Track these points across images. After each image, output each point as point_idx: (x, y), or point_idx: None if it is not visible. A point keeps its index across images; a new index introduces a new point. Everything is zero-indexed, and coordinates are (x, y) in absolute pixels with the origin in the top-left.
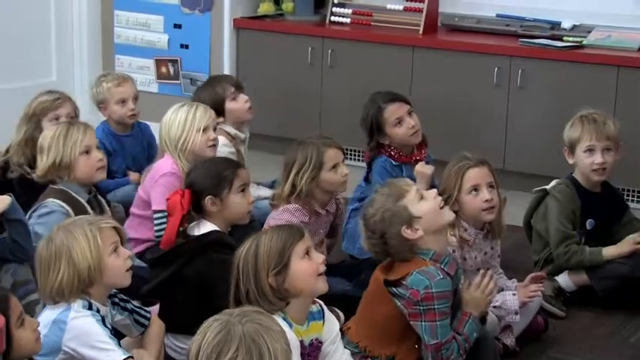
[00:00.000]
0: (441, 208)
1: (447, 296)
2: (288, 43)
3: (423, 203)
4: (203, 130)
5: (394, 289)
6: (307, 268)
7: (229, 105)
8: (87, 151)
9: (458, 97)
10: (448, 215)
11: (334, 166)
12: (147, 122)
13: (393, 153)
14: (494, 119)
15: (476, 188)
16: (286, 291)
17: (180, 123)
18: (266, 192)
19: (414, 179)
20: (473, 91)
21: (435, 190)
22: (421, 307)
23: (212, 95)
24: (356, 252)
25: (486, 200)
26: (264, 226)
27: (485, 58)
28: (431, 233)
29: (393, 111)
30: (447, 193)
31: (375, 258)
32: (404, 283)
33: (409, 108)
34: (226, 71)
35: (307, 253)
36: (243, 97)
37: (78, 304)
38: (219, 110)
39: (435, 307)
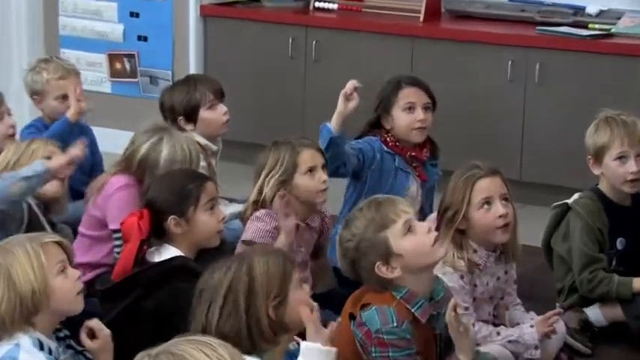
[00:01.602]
0: (433, 245)
1: (401, 345)
2: (265, 34)
3: (408, 239)
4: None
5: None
6: (302, 299)
7: (205, 114)
8: None
9: (465, 97)
10: (438, 254)
11: (310, 170)
12: (97, 127)
13: (388, 139)
14: (508, 122)
15: (488, 202)
16: (284, 326)
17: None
18: (239, 209)
19: (405, 172)
20: (483, 88)
21: (429, 223)
22: (375, 354)
23: (187, 99)
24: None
25: (500, 216)
26: (237, 249)
27: (497, 49)
28: (411, 272)
29: (408, 94)
30: (454, 209)
31: (351, 279)
32: (361, 314)
33: (428, 102)
34: (192, 67)
35: (303, 281)
36: (222, 109)
37: (26, 341)
38: (191, 116)
39: (390, 355)
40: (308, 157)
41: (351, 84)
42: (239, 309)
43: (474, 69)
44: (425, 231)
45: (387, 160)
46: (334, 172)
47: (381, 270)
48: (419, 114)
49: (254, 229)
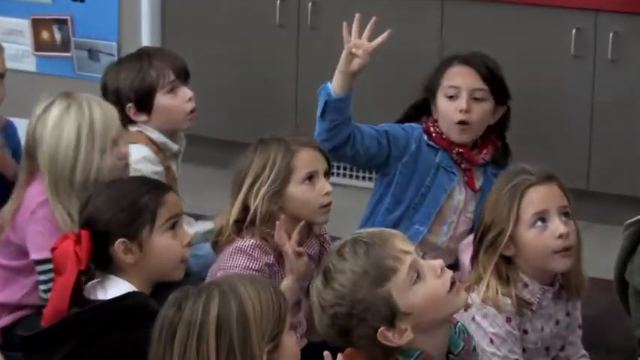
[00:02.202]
0: (450, 290)
1: None
2: None
3: (418, 290)
4: (110, 147)
5: None
6: (293, 345)
7: (163, 100)
8: None
9: (512, 78)
10: (459, 301)
11: (309, 178)
12: (16, 119)
13: (432, 128)
14: (571, 111)
15: (543, 217)
16: None
17: (69, 147)
18: (207, 228)
19: (449, 172)
20: (536, 66)
21: (439, 262)
22: None
23: (139, 80)
24: None
25: (560, 235)
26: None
27: (558, 14)
28: (424, 331)
29: (453, 75)
30: (497, 229)
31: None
32: None
33: (481, 89)
34: (145, 38)
35: (294, 328)
36: (185, 93)
37: None
38: (145, 104)
39: None
40: (306, 159)
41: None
42: (235, 353)
43: (524, 40)
44: (435, 274)
45: (425, 154)
46: (332, 151)
47: (387, 336)
48: (461, 103)
49: (239, 266)
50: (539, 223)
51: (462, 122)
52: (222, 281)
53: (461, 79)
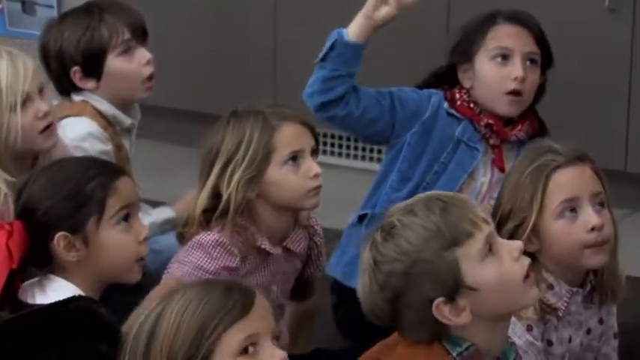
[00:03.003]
0: (525, 279)
1: None
2: None
3: (489, 265)
4: (23, 103)
5: None
6: None
7: (115, 63)
8: None
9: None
10: (530, 295)
11: (294, 158)
12: None
13: (458, 96)
14: (607, 76)
15: (572, 206)
16: None
17: None
18: (167, 216)
19: (472, 148)
20: (565, 22)
21: (520, 243)
22: None
23: (86, 38)
24: (338, 274)
25: (593, 228)
26: (163, 281)
27: None
28: (483, 318)
29: (503, 35)
30: (517, 218)
31: (374, 322)
32: None
33: (534, 53)
34: None
35: (253, 345)
36: (143, 55)
37: None
38: (93, 67)
39: None
40: (289, 136)
41: None
42: None
43: None
44: (514, 255)
45: (443, 124)
46: (321, 108)
47: (442, 311)
48: (516, 70)
49: (192, 262)
50: (568, 213)
51: (515, 92)
52: (177, 289)
53: (514, 40)
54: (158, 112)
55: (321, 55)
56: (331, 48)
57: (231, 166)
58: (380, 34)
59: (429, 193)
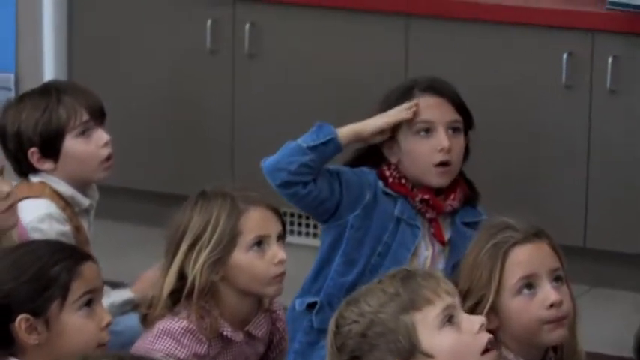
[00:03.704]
0: (485, 353)
1: None
2: (167, 13)
3: (446, 334)
4: None
5: None
6: None
7: (73, 144)
8: None
9: (494, 110)
10: None
11: (259, 243)
12: None
13: (388, 174)
14: (564, 153)
15: (530, 283)
16: None
17: None
18: (126, 297)
19: (412, 226)
20: (522, 98)
21: (481, 318)
22: None
23: (44, 120)
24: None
25: (552, 304)
26: None
27: (545, 34)
28: None
29: (424, 108)
30: (475, 296)
31: None
32: None
33: (456, 121)
34: (49, 70)
35: None
36: (101, 136)
37: None
38: (51, 149)
39: None
40: (256, 221)
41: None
42: None
43: (506, 67)
44: (474, 329)
45: (382, 204)
46: (285, 185)
47: None
48: (441, 141)
49: (162, 350)
50: (526, 290)
51: (443, 163)
52: None
53: (434, 111)
54: (116, 193)
55: (310, 142)
56: (325, 143)
57: (197, 247)
58: (337, 91)
59: (404, 266)
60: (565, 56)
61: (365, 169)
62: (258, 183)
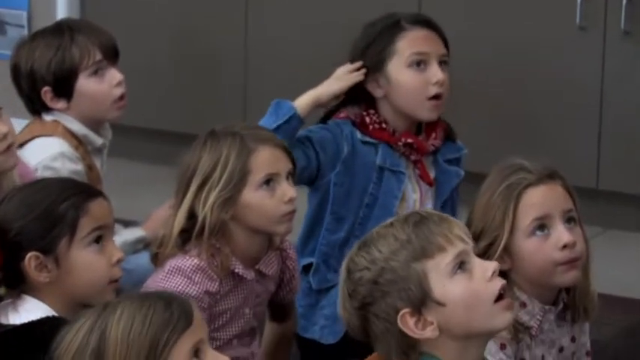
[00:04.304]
0: (497, 300)
1: None
2: None
3: (458, 281)
4: None
5: None
6: None
7: (86, 84)
8: None
9: (507, 53)
10: (502, 319)
11: (268, 181)
12: None
13: (368, 120)
14: (578, 93)
15: (543, 224)
16: None
17: None
18: (138, 236)
19: (396, 172)
20: (534, 40)
21: (494, 264)
22: None
23: (57, 59)
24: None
25: (565, 245)
26: None
27: None
28: (452, 337)
29: (416, 40)
30: (489, 237)
31: (353, 336)
32: None
33: (445, 54)
34: (62, 7)
35: (197, 353)
36: (114, 75)
37: None
38: (64, 88)
39: None
40: (266, 159)
41: (359, 66)
42: None
43: (518, 8)
44: (486, 275)
45: (362, 155)
46: None
47: (407, 322)
48: (435, 73)
49: (173, 288)
50: (538, 232)
51: (437, 96)
52: (109, 304)
53: (428, 44)
54: (128, 131)
55: (272, 124)
56: (287, 121)
57: (207, 186)
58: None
59: (417, 210)
60: None
61: (339, 120)
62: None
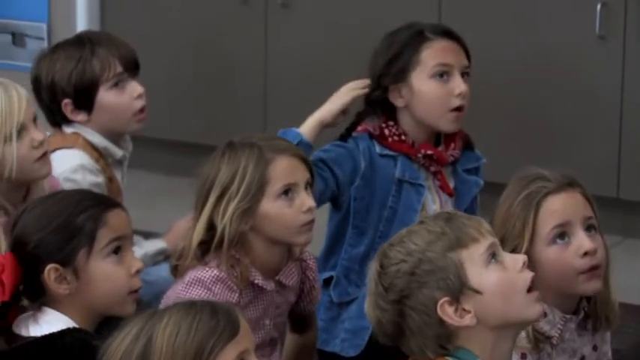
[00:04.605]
0: (530, 291)
1: None
2: None
3: (493, 271)
4: (19, 133)
5: None
6: None
7: (107, 96)
8: None
9: (525, 61)
10: (534, 309)
11: (286, 191)
12: None
13: (387, 132)
14: (597, 102)
15: (564, 232)
16: None
17: None
18: (159, 247)
19: (416, 185)
20: (553, 48)
21: (523, 257)
22: None
23: (78, 71)
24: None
25: (586, 253)
26: None
27: None
28: (489, 326)
29: (440, 51)
30: (509, 247)
31: (380, 339)
32: None
33: (467, 65)
34: (82, 20)
35: None
36: (134, 88)
37: None
38: (85, 100)
39: None
40: (284, 169)
41: (362, 82)
42: None
43: (539, 18)
44: (517, 267)
45: (381, 168)
46: None
47: (447, 311)
48: (458, 85)
49: None
50: (559, 240)
51: (458, 108)
52: (156, 313)
53: (452, 56)
54: (149, 143)
55: None
56: None
57: (225, 198)
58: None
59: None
60: (599, 6)
61: (356, 135)
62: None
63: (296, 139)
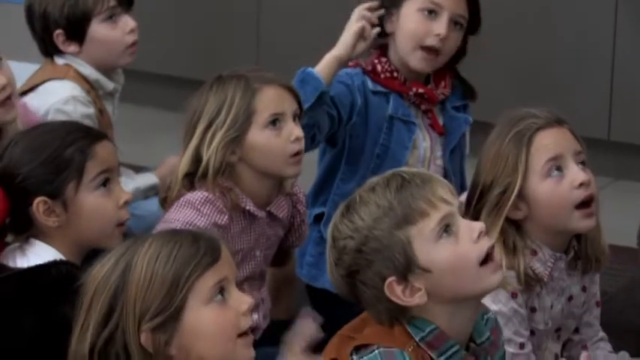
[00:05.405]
0: (485, 261)
1: None
2: None
3: (444, 247)
4: None
5: None
6: (217, 321)
7: (99, 29)
8: None
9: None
10: (491, 280)
11: (274, 121)
12: None
13: (380, 68)
14: (589, 45)
15: (558, 165)
16: None
17: None
18: (151, 182)
19: (406, 122)
20: None
21: (480, 224)
22: None
23: (69, 2)
24: (304, 275)
25: (582, 183)
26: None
27: None
28: (442, 301)
29: None
30: (502, 184)
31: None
32: None
33: (461, 15)
34: None
35: (221, 291)
36: (127, 22)
37: None
38: (77, 32)
39: None
40: (271, 99)
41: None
42: (102, 328)
43: None
44: (472, 237)
45: (374, 106)
46: (310, 142)
47: (395, 290)
48: (440, 25)
49: (181, 220)
50: (554, 172)
51: (431, 49)
52: (138, 239)
53: None
54: (142, 77)
55: (307, 105)
56: (318, 99)
57: (212, 129)
58: None
59: (397, 170)
60: None
61: (349, 70)
62: (282, 70)
63: (319, 87)
